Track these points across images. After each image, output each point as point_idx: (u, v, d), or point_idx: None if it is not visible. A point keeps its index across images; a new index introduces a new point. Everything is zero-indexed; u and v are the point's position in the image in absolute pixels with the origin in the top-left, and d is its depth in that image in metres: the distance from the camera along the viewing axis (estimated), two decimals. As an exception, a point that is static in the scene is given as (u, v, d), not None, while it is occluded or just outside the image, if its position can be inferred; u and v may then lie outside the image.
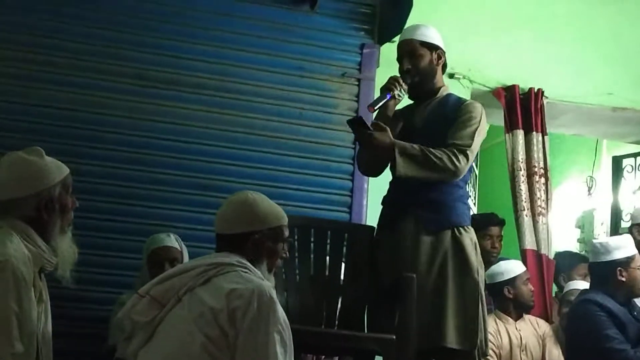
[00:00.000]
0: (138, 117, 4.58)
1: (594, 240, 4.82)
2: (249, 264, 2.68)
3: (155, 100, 4.62)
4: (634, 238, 4.91)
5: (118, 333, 3.44)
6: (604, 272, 4.54)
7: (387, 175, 5.07)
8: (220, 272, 2.61)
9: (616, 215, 6.57)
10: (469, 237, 3.57)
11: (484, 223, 5.10)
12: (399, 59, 3.71)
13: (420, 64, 3.67)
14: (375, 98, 3.68)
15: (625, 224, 6.43)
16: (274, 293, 2.56)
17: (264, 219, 2.77)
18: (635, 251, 4.57)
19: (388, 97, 3.57)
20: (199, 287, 2.59)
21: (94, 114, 4.52)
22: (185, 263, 2.83)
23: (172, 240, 3.98)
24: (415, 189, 3.58)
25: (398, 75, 3.66)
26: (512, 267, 4.93)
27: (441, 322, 3.43)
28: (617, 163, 6.69)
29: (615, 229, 6.43)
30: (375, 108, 3.60)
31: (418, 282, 3.37)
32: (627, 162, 6.62)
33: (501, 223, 5.27)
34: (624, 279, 4.49)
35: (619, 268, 4.49)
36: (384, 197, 3.76)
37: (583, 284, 5.03)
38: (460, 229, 3.56)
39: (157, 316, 2.60)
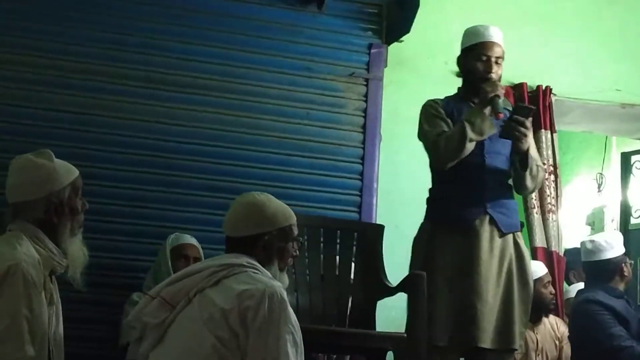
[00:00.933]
0: (146, 120, 4.59)
1: (587, 240, 4.77)
2: (258, 264, 2.68)
3: (163, 102, 4.62)
4: None
5: (130, 332, 3.45)
6: (606, 269, 4.54)
7: (397, 175, 5.11)
8: (230, 273, 2.61)
9: (625, 212, 6.54)
10: (523, 241, 3.70)
11: None
12: (485, 56, 3.65)
13: (500, 71, 3.70)
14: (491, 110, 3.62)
15: (635, 220, 6.41)
16: (284, 293, 2.56)
17: (272, 220, 2.76)
18: None
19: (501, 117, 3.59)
20: (210, 288, 2.59)
21: (102, 117, 4.53)
22: (195, 264, 2.82)
23: (195, 241, 4.14)
24: (493, 189, 3.62)
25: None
26: (534, 270, 4.90)
27: (511, 327, 3.52)
28: (625, 159, 6.65)
29: (624, 226, 6.39)
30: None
31: (490, 284, 3.48)
32: (635, 159, 6.57)
33: (522, 226, 5.29)
34: (626, 274, 4.53)
35: (624, 262, 4.53)
36: (445, 193, 3.66)
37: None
38: (519, 232, 3.69)
39: (167, 318, 2.60)
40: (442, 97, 3.79)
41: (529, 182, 3.69)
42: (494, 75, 3.63)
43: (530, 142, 3.62)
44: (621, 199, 6.61)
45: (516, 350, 3.64)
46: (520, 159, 3.62)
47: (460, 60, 3.74)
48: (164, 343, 2.59)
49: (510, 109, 3.74)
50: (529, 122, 3.59)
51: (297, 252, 2.88)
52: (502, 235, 3.59)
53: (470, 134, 3.49)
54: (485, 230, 3.56)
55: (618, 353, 4.29)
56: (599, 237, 4.77)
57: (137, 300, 2.80)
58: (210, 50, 4.74)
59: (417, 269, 3.52)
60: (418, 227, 3.75)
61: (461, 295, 3.49)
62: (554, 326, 4.90)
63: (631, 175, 6.54)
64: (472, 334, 3.44)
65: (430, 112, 3.67)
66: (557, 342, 4.85)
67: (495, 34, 3.69)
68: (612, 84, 5.79)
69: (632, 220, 6.44)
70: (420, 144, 3.74)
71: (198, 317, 2.54)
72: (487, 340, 3.45)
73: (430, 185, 3.80)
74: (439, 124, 3.61)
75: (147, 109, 4.60)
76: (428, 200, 3.76)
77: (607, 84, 5.77)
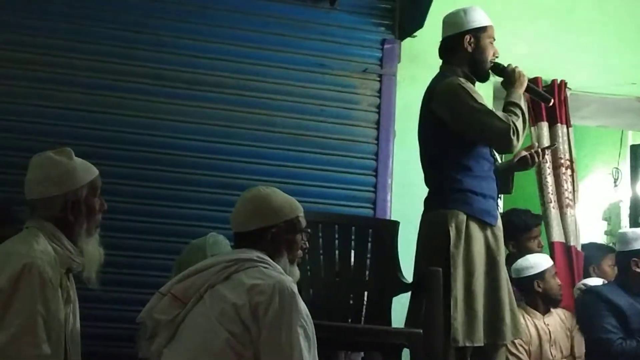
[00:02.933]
0: (158, 117, 4.58)
1: (620, 230, 4.83)
2: (269, 259, 2.67)
3: (174, 100, 4.62)
4: None
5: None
6: (622, 262, 4.62)
7: (411, 171, 5.08)
8: (240, 268, 2.61)
9: (636, 206, 6.48)
10: None
11: (529, 225, 5.12)
12: (494, 39, 3.70)
13: None
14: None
15: (644, 214, 6.38)
16: (295, 287, 2.55)
17: (278, 212, 2.76)
18: None
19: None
20: (220, 283, 2.59)
21: (114, 115, 4.52)
22: (205, 260, 2.81)
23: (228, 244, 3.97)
24: (494, 182, 3.66)
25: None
26: (540, 261, 4.89)
27: (517, 317, 3.59)
28: (635, 152, 6.60)
29: (634, 220, 6.33)
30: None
31: (504, 279, 3.53)
32: (646, 151, 6.54)
33: (540, 220, 5.28)
34: (638, 270, 4.50)
35: (634, 258, 4.51)
36: (473, 185, 3.59)
37: (596, 281, 5.00)
38: None
39: (179, 314, 2.60)
40: None
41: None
42: None
43: None
44: (631, 192, 6.56)
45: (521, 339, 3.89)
46: (512, 178, 3.76)
47: (467, 39, 3.66)
48: (176, 340, 2.59)
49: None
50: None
51: (307, 244, 2.86)
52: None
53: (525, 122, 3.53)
54: (500, 225, 3.59)
55: (605, 345, 4.32)
56: (626, 229, 4.80)
57: None
58: (222, 48, 4.73)
59: (459, 260, 3.47)
60: (436, 216, 3.63)
61: (491, 292, 3.49)
62: (563, 317, 4.88)
63: (641, 168, 6.50)
64: (501, 331, 3.44)
65: (469, 92, 3.55)
66: (568, 333, 4.83)
67: None
68: (628, 78, 5.74)
69: (643, 214, 6.40)
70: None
71: (210, 312, 2.54)
72: (508, 334, 3.44)
73: (436, 174, 3.73)
74: (485, 104, 3.55)
75: (159, 107, 4.60)
76: (455, 190, 3.60)
77: (623, 78, 5.73)
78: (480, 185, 3.56)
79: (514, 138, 3.43)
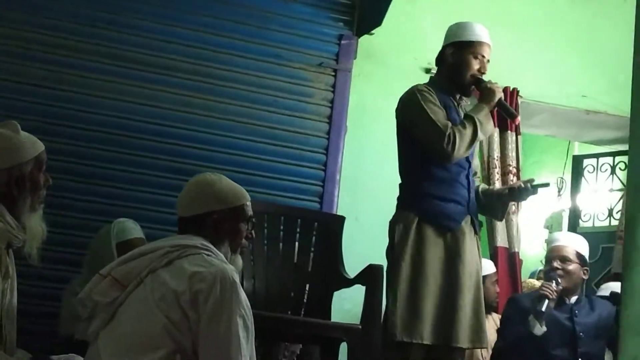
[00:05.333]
0: (111, 97, 4.55)
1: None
2: (212, 246, 2.65)
3: (130, 81, 4.59)
4: None
5: (69, 322, 3.41)
6: None
7: (360, 167, 5.11)
8: (183, 254, 2.58)
9: (575, 215, 6.60)
10: None
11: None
12: (482, 56, 3.69)
13: None
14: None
15: (583, 223, 6.48)
16: (236, 277, 2.54)
17: (223, 199, 2.73)
18: None
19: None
20: (162, 268, 2.56)
21: (67, 92, 4.48)
22: (147, 245, 2.79)
23: (140, 231, 3.91)
24: (471, 191, 3.67)
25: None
26: (483, 267, 4.94)
27: (483, 327, 3.56)
28: (577, 163, 6.72)
29: (573, 229, 6.42)
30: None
31: (467, 284, 3.51)
32: (587, 162, 6.64)
33: (481, 225, 5.33)
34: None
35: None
36: (434, 189, 3.59)
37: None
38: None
39: (118, 297, 2.57)
40: None
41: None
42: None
43: None
44: (571, 202, 6.67)
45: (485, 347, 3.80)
46: (504, 209, 3.78)
47: (449, 52, 3.68)
48: (114, 323, 2.56)
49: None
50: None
51: (252, 234, 2.85)
52: (475, 235, 3.64)
53: (480, 133, 3.51)
54: (467, 230, 3.59)
55: (499, 350, 4.30)
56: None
57: (79, 291, 2.74)
58: (178, 31, 4.71)
59: (405, 261, 3.47)
60: (392, 217, 3.64)
61: (446, 294, 3.49)
62: (497, 322, 4.95)
63: (582, 178, 6.60)
64: (453, 334, 3.44)
65: (431, 100, 3.55)
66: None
67: (488, 37, 3.72)
68: (579, 90, 5.84)
69: (581, 224, 6.50)
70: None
71: (150, 297, 2.51)
72: (464, 340, 3.46)
73: (401, 178, 3.71)
74: (441, 114, 3.52)
75: (113, 86, 4.56)
76: (409, 194, 3.63)
77: (574, 90, 5.82)
78: (441, 189, 3.57)
79: (447, 147, 3.44)
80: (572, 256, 4.12)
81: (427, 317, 3.43)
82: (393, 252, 3.53)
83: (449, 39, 3.70)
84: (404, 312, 3.40)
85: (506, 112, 3.66)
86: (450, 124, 3.48)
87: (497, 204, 3.78)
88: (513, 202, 3.67)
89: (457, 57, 3.65)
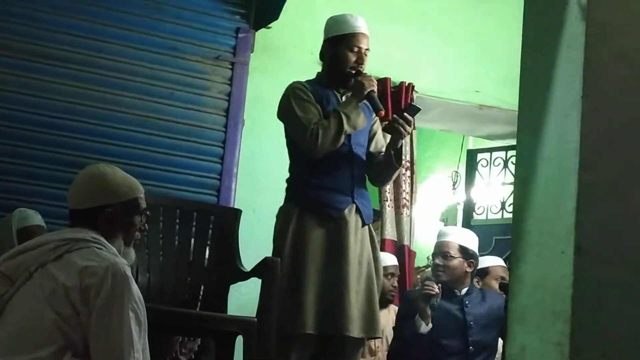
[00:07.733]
0: (2, 89, 4.43)
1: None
2: (103, 239, 2.60)
3: (19, 71, 4.50)
4: None
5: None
6: None
7: (257, 160, 5.11)
8: (73, 247, 2.53)
9: (469, 208, 6.75)
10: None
11: None
12: (357, 47, 3.64)
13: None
14: None
15: (477, 216, 6.63)
16: (128, 270, 2.50)
17: (115, 192, 2.67)
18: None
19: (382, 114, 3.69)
20: (51, 263, 2.51)
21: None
22: (36, 238, 2.72)
23: (41, 219, 3.95)
24: (358, 180, 3.66)
25: None
26: (383, 259, 4.99)
27: (376, 316, 3.57)
28: (471, 157, 6.87)
29: (467, 222, 6.59)
30: None
31: (354, 273, 3.50)
32: (481, 156, 6.79)
33: (377, 217, 5.39)
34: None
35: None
36: (314, 180, 3.61)
37: None
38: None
39: (7, 292, 2.51)
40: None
41: (394, 176, 3.86)
42: (363, 67, 3.66)
43: None
44: (465, 195, 6.82)
45: (380, 338, 3.84)
46: (395, 153, 3.68)
47: (326, 47, 3.70)
48: (2, 318, 2.50)
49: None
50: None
51: (146, 227, 2.81)
52: (364, 225, 3.64)
53: (346, 126, 3.52)
54: (353, 219, 3.58)
55: (395, 350, 4.38)
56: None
57: None
58: (73, 22, 4.64)
59: (285, 252, 3.49)
60: (278, 211, 3.68)
61: (330, 283, 3.49)
62: (394, 314, 5.03)
63: (476, 172, 6.75)
64: (341, 323, 3.45)
65: (301, 96, 3.60)
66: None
67: (364, 26, 3.70)
68: (472, 85, 5.97)
69: (475, 217, 6.66)
70: (282, 129, 3.73)
71: (39, 292, 2.46)
72: (355, 329, 3.47)
73: (288, 171, 3.74)
74: (311, 110, 3.56)
75: (3, 78, 4.46)
76: (291, 185, 3.68)
77: (467, 85, 5.95)
78: (322, 179, 3.59)
79: (311, 141, 3.49)
80: (454, 251, 4.20)
81: (309, 306, 3.42)
82: (274, 245, 3.58)
83: (325, 35, 3.73)
84: (286, 304, 3.41)
85: (373, 105, 3.67)
86: (315, 120, 3.52)
87: (387, 152, 3.74)
88: (397, 140, 3.62)
89: (333, 52, 3.67)
